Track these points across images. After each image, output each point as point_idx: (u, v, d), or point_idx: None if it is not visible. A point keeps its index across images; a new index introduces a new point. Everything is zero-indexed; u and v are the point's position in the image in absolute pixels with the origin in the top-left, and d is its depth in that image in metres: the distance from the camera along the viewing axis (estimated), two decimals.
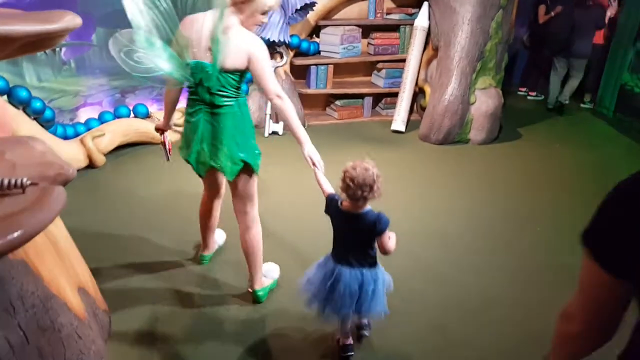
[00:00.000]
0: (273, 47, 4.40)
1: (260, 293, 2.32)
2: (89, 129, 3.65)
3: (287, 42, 4.28)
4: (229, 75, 1.99)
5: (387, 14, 4.77)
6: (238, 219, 2.22)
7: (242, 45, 1.95)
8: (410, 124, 4.75)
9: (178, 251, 2.67)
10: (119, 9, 3.85)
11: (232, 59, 1.95)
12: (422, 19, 4.59)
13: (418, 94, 4.95)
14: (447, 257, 2.76)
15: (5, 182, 0.95)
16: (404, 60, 4.73)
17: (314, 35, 4.72)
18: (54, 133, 3.32)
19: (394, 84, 4.85)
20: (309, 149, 2.09)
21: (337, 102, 4.84)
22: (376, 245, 1.85)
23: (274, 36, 4.12)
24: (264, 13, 2.02)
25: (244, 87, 1.99)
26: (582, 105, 5.93)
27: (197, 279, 2.48)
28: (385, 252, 1.83)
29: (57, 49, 3.54)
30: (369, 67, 5.02)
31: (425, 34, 4.63)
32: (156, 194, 3.25)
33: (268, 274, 2.43)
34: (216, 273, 2.52)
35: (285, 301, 2.33)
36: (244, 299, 2.34)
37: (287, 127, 2.14)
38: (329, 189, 2.00)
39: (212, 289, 2.41)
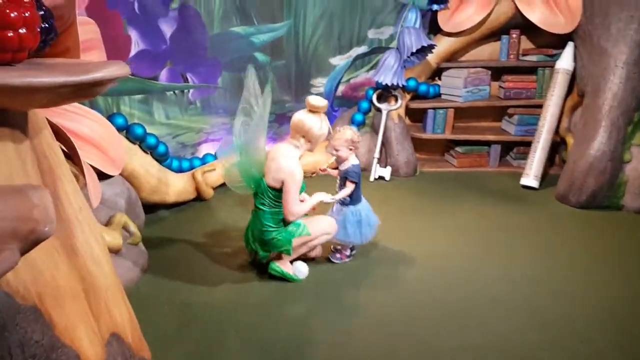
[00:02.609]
0: (388, 90, 4.23)
1: (273, 266, 2.66)
2: (204, 164, 3.86)
3: (401, 85, 4.07)
4: (268, 188, 2.61)
5: (523, 55, 4.28)
6: None
7: (279, 175, 2.57)
8: (548, 180, 4.08)
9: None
10: (242, 56, 4.11)
11: (271, 179, 2.60)
12: (565, 61, 4.00)
13: (560, 144, 4.30)
14: None
15: None
16: (540, 106, 4.16)
17: (436, 78, 4.44)
18: (169, 166, 3.57)
19: (528, 132, 4.28)
20: (315, 200, 2.72)
21: (458, 149, 4.44)
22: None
23: (387, 80, 3.96)
24: (314, 138, 2.66)
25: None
26: None
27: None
28: None
29: (185, 91, 3.85)
30: (500, 112, 4.53)
31: (569, 77, 4.02)
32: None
33: (296, 269, 2.71)
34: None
35: None
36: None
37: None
38: (346, 191, 2.81)
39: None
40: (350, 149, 2.75)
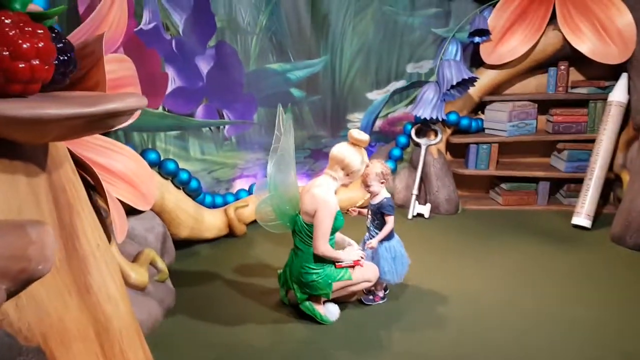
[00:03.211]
0: (427, 125, 4.09)
1: (306, 303, 2.53)
2: (237, 199, 3.81)
3: (441, 119, 3.93)
4: (305, 224, 2.51)
5: (573, 87, 4.07)
6: None
7: (313, 205, 2.46)
8: (602, 219, 3.77)
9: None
10: (278, 92, 4.10)
11: (306, 215, 2.51)
12: (619, 93, 3.76)
13: (614, 182, 4.00)
14: None
15: None
16: (592, 141, 3.90)
17: (479, 112, 4.27)
18: (202, 201, 3.54)
19: (579, 168, 4.01)
20: (349, 256, 2.57)
21: (503, 185, 4.20)
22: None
23: (426, 113, 3.82)
24: (353, 172, 2.56)
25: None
26: None
27: None
28: None
29: (221, 127, 3.85)
30: (548, 148, 4.28)
31: (623, 110, 3.77)
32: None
33: (327, 311, 2.56)
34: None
35: None
36: None
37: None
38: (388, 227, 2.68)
39: None
40: (382, 183, 2.63)
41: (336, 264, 2.51)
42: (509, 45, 3.95)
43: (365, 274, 2.55)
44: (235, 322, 2.58)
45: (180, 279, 2.90)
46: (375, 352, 2.33)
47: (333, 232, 2.51)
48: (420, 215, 4.01)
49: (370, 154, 4.43)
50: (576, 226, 3.74)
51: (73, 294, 1.36)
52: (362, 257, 2.57)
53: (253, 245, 3.53)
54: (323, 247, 2.43)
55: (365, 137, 2.52)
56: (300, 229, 2.52)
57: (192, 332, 2.49)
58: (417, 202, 4.02)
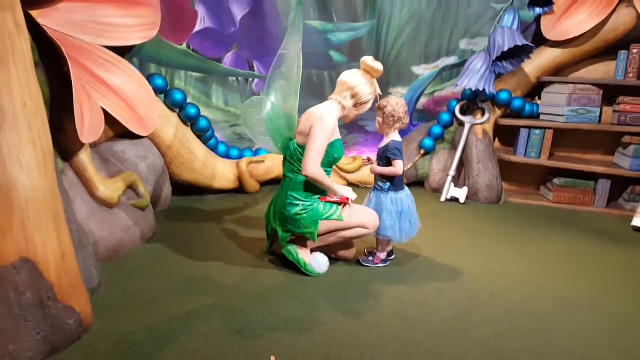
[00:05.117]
0: (474, 102, 3.69)
1: (289, 247, 2.25)
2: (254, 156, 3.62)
3: (489, 92, 3.50)
4: (298, 148, 2.22)
5: None
6: None
7: (309, 122, 2.18)
8: None
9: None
10: (316, 52, 3.85)
11: (300, 136, 2.22)
12: None
13: None
14: None
15: None
16: None
17: (537, 98, 3.81)
18: (215, 148, 3.37)
19: None
20: (341, 191, 2.26)
21: (556, 181, 3.70)
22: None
23: (472, 84, 3.42)
24: (362, 103, 2.31)
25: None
26: None
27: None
28: None
29: (250, 80, 3.70)
30: (612, 144, 3.73)
31: None
32: None
33: (314, 260, 2.25)
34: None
35: None
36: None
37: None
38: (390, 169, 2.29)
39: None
40: (391, 125, 2.31)
41: (321, 197, 2.22)
42: (574, 20, 3.48)
43: (362, 219, 2.21)
44: (210, 259, 2.36)
45: (171, 216, 2.74)
46: (354, 309, 1.99)
47: (331, 163, 2.22)
48: (454, 199, 3.60)
49: (408, 132, 4.10)
50: (637, 229, 3.18)
51: None
52: (353, 199, 2.24)
53: (261, 203, 3.31)
54: (313, 167, 2.11)
55: (379, 66, 2.24)
56: (293, 154, 2.23)
57: (159, 261, 2.31)
58: (452, 184, 3.62)
